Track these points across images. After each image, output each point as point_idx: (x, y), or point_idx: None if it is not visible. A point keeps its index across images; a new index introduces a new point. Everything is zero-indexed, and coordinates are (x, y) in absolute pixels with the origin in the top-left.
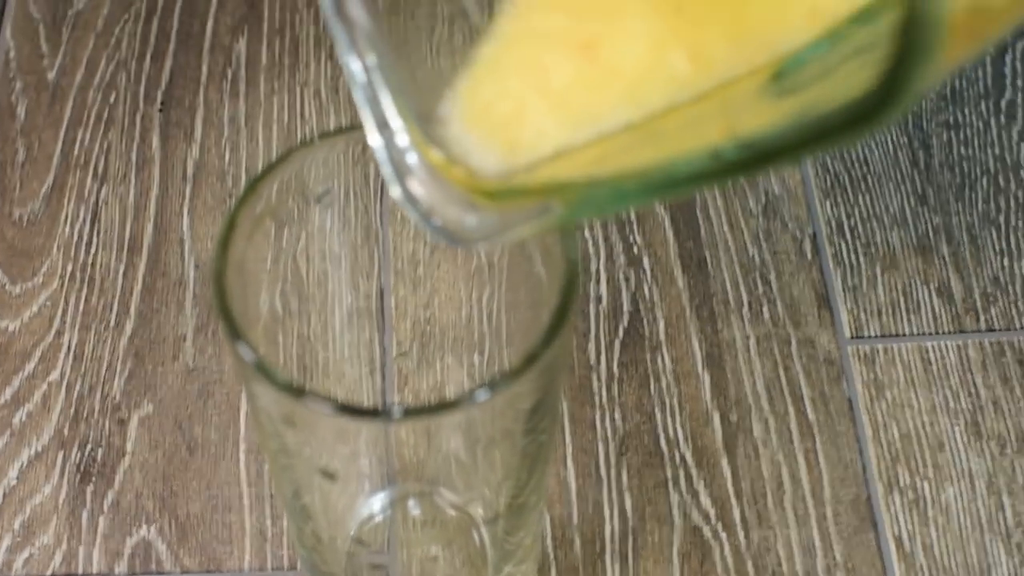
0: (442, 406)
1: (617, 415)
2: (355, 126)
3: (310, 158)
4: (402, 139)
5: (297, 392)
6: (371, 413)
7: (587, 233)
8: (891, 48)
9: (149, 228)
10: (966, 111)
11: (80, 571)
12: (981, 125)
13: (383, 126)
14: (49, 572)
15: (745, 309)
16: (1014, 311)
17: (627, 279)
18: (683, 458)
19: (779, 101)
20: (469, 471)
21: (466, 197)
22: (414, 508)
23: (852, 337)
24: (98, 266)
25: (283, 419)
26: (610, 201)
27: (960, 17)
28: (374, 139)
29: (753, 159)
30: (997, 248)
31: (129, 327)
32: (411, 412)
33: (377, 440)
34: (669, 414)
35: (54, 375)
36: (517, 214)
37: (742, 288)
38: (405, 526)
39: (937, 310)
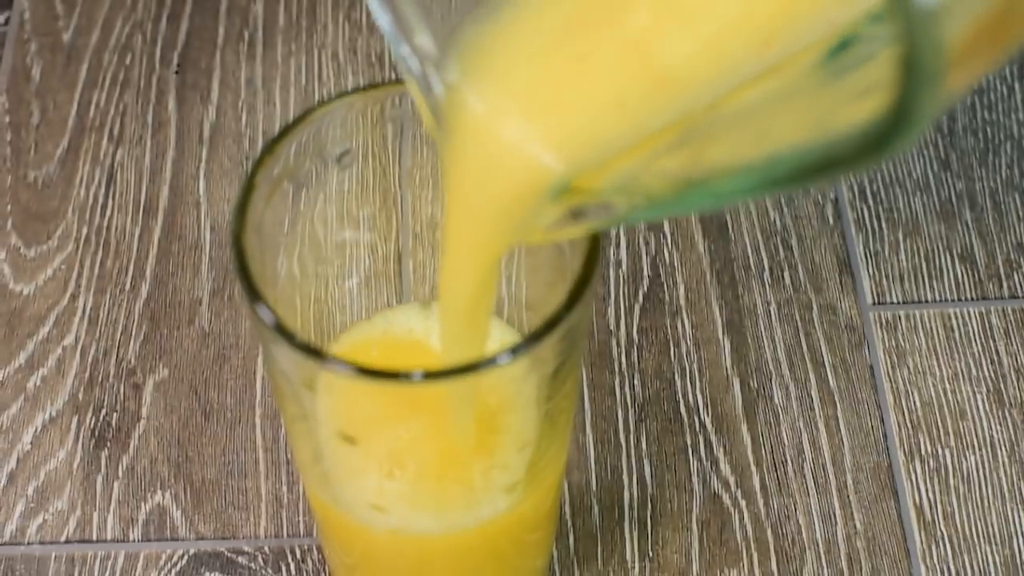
0: (463, 369)
1: (636, 381)
2: (374, 86)
3: (328, 119)
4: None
5: (317, 354)
6: (391, 376)
7: None
8: (894, 84)
9: (165, 191)
10: (990, 76)
11: (94, 537)
12: (1005, 90)
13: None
14: (63, 538)
15: (766, 274)
16: None
17: (647, 244)
18: (703, 425)
19: (834, 83)
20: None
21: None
22: None
23: (874, 303)
24: (113, 229)
25: (302, 382)
26: (695, 201)
27: (962, 45)
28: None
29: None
30: (1021, 214)
31: (144, 290)
32: (431, 375)
33: (397, 403)
34: (689, 380)
35: (69, 339)
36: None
37: (763, 253)
38: None
39: (960, 276)
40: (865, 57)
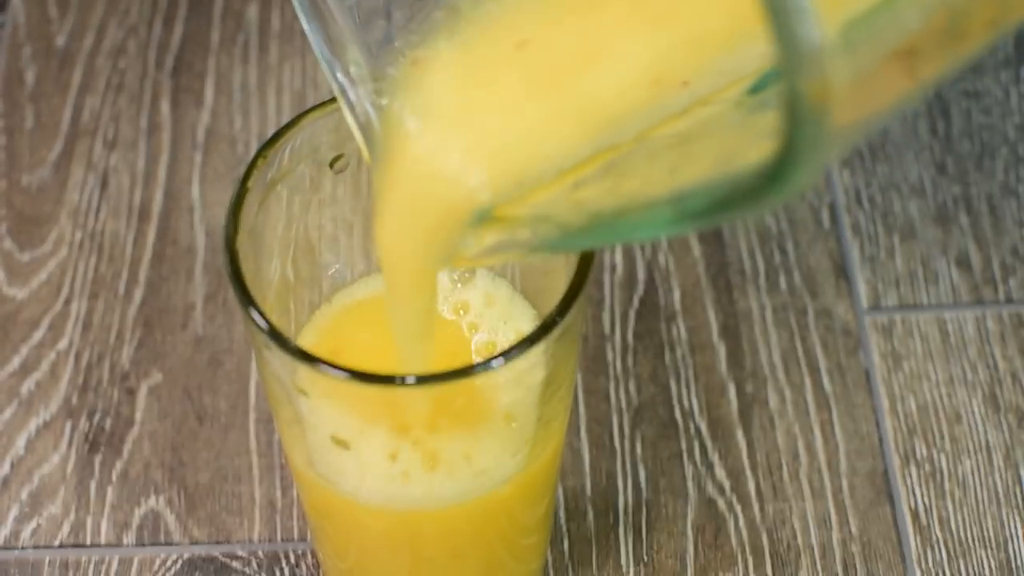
0: (456, 373)
1: (631, 386)
2: None
3: (322, 123)
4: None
5: (310, 358)
6: (384, 380)
7: None
8: (781, 123)
9: (159, 195)
10: (986, 80)
11: (88, 542)
12: (1001, 94)
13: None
14: (56, 543)
15: (762, 279)
16: None
17: (642, 248)
18: (698, 429)
19: (746, 122)
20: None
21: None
22: None
23: (870, 308)
24: (107, 233)
25: (295, 387)
26: (606, 234)
27: (851, 86)
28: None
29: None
30: (1016, 218)
31: (138, 295)
32: (424, 379)
33: (390, 407)
34: (684, 385)
35: (62, 344)
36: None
37: (759, 258)
38: None
39: (955, 281)
40: (772, 98)
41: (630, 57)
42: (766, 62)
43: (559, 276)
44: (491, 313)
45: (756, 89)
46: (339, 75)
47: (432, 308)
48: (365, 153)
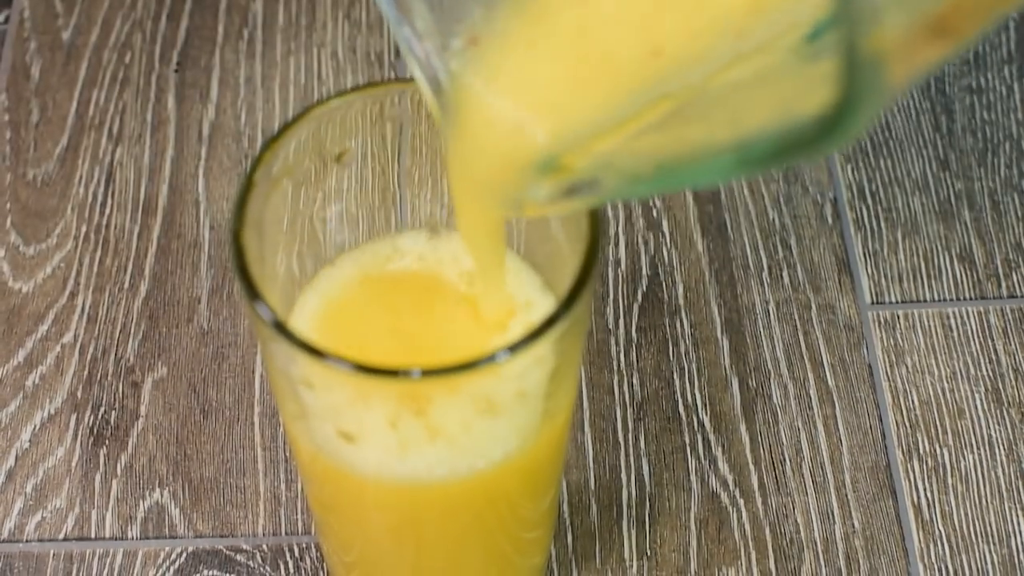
0: (461, 367)
1: (635, 380)
2: (373, 84)
3: (327, 117)
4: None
5: (316, 352)
6: (390, 373)
7: None
8: (838, 73)
9: (164, 189)
10: (989, 76)
11: (93, 535)
12: (1004, 90)
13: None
14: (61, 536)
15: (765, 274)
16: None
17: (646, 243)
18: (701, 424)
19: (803, 69)
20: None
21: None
22: None
23: (872, 303)
24: (112, 227)
25: (301, 380)
26: (674, 180)
27: (902, 39)
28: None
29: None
30: (1019, 214)
31: (143, 289)
32: (430, 372)
33: (396, 401)
34: (687, 379)
35: (68, 337)
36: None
37: (762, 252)
38: None
39: (958, 276)
40: (829, 47)
41: (682, 7)
42: (821, 11)
43: (562, 244)
44: None
45: (813, 37)
46: (406, 30)
47: (502, 251)
48: (433, 106)
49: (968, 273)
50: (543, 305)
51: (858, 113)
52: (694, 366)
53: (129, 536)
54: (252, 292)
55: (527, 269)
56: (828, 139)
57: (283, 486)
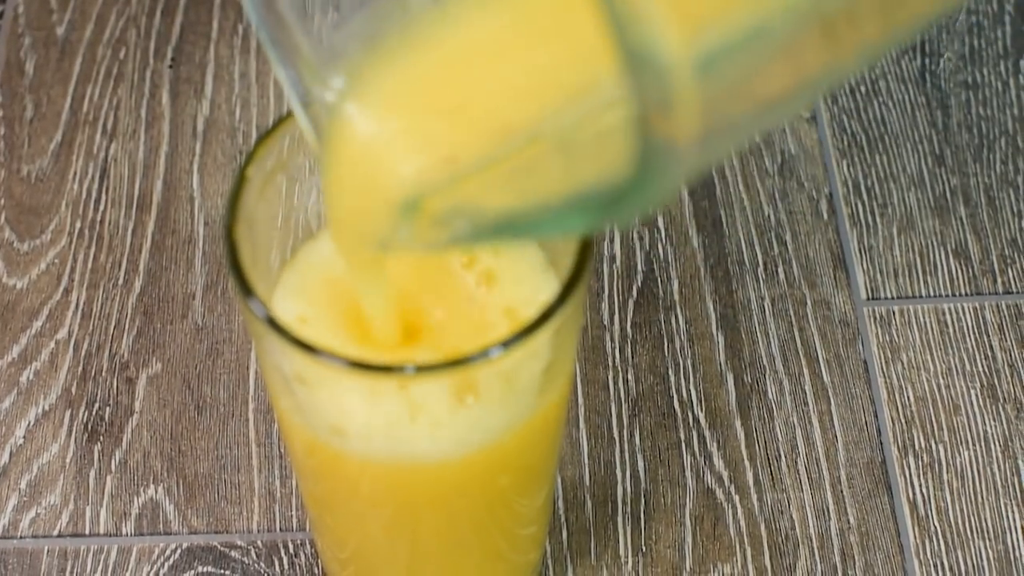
0: (456, 362)
1: (630, 376)
2: None
3: None
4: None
5: (309, 348)
6: (384, 369)
7: None
8: (629, 153)
9: (159, 185)
10: (984, 71)
11: (87, 531)
12: (1000, 85)
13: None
14: (56, 532)
15: (760, 269)
16: None
17: (641, 238)
18: (696, 420)
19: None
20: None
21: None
22: None
23: (868, 299)
24: (107, 223)
25: (295, 376)
26: (506, 233)
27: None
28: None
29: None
30: (1015, 210)
31: (138, 285)
32: (424, 368)
33: (390, 396)
34: (683, 375)
35: (62, 333)
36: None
37: (757, 248)
38: None
39: (954, 272)
40: (624, 129)
41: (499, 90)
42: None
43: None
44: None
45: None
46: (289, 71)
47: (382, 287)
48: (313, 142)
49: (964, 269)
50: (545, 283)
51: (649, 187)
52: (689, 362)
53: (123, 532)
54: (245, 288)
55: (531, 245)
56: (627, 204)
57: (277, 482)
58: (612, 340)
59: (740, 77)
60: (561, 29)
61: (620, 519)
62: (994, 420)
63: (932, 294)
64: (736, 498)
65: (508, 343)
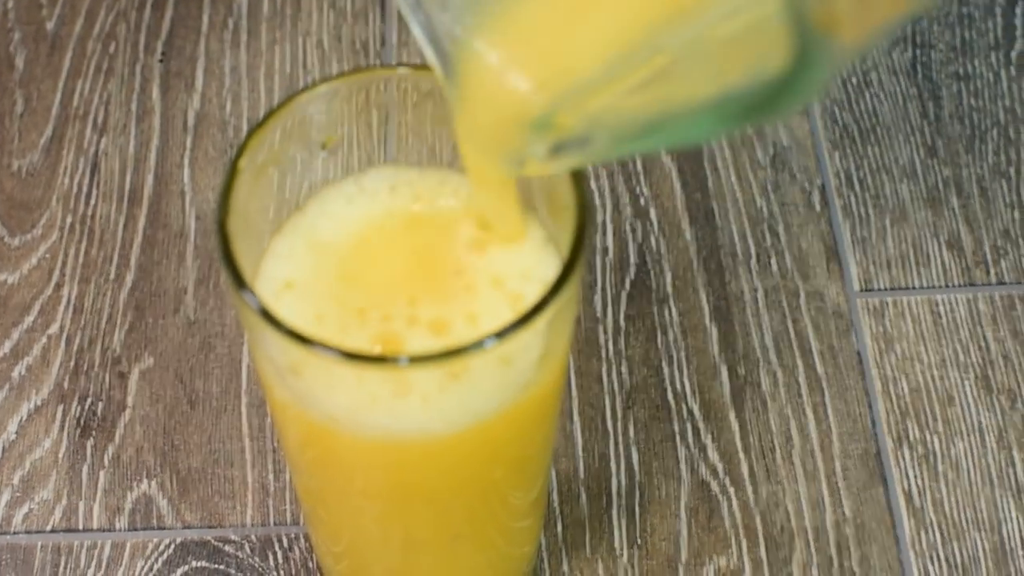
0: (449, 353)
1: (624, 368)
2: (359, 71)
3: (313, 105)
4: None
5: (302, 339)
6: (378, 360)
7: (593, 184)
8: (788, 45)
9: (150, 179)
10: (976, 62)
11: (80, 526)
12: (991, 76)
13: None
14: (49, 527)
15: (753, 261)
16: None
17: (634, 231)
18: (690, 412)
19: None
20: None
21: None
22: None
23: (861, 290)
24: (98, 218)
25: (289, 368)
26: (658, 138)
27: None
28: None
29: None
30: (1007, 200)
31: (129, 279)
32: (418, 359)
33: (384, 388)
34: (676, 367)
35: (54, 328)
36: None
37: (750, 240)
38: None
39: (947, 263)
40: (784, 12)
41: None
42: None
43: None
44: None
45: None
46: (416, 14)
47: (514, 207)
48: (437, 69)
49: (957, 260)
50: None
51: (807, 77)
52: (683, 354)
53: (117, 527)
54: (238, 280)
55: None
56: (784, 101)
57: (271, 476)
58: (605, 333)
59: None
60: None
61: (615, 512)
62: (988, 411)
63: (925, 285)
64: (731, 490)
65: (502, 334)
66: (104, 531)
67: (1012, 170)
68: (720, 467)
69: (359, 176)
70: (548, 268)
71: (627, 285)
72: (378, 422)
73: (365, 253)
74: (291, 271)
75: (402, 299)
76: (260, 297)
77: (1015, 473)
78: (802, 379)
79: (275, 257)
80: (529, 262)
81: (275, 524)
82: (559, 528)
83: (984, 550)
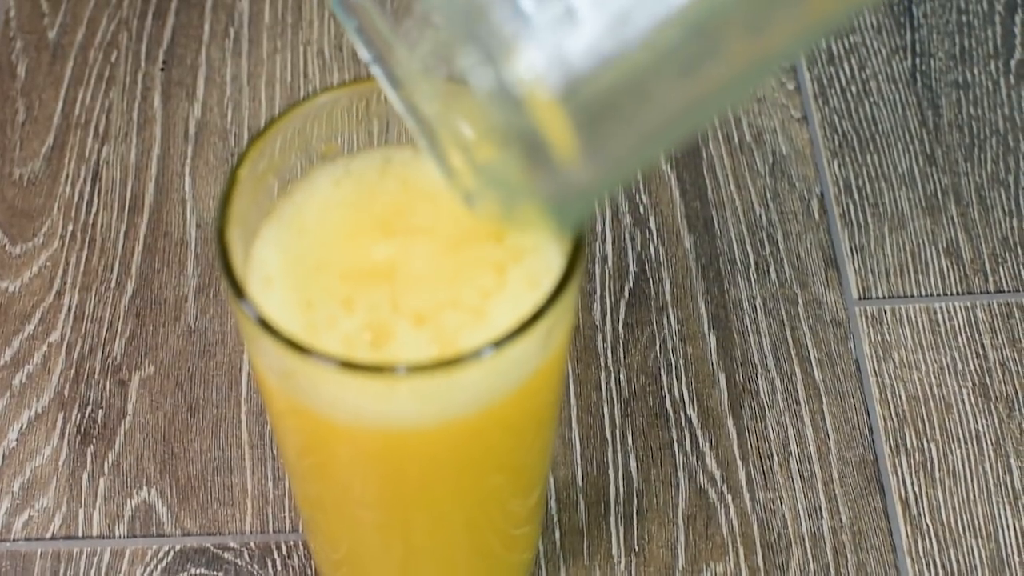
0: (447, 362)
1: (622, 376)
2: (359, 81)
3: (313, 114)
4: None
5: (301, 348)
6: (375, 369)
7: None
8: None
9: (150, 188)
10: (975, 71)
11: (80, 534)
12: (990, 85)
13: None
14: (49, 534)
15: (752, 269)
16: (1023, 272)
17: (633, 239)
18: (689, 419)
19: None
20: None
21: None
22: None
23: (859, 298)
24: (99, 226)
25: (287, 377)
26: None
27: None
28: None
29: None
30: (1006, 209)
31: (130, 287)
32: (416, 368)
33: (381, 396)
34: (675, 375)
35: (54, 336)
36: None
37: (749, 248)
38: None
39: (945, 271)
40: None
41: None
42: None
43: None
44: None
45: None
46: (384, 68)
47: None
48: (420, 140)
49: (955, 268)
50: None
51: None
52: (681, 362)
53: (116, 535)
54: (237, 289)
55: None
56: None
57: (270, 484)
58: (604, 340)
59: None
60: None
61: (613, 519)
62: (986, 419)
63: (923, 293)
64: (728, 497)
65: (500, 343)
66: (104, 538)
67: (1011, 178)
68: (718, 474)
69: (348, 159)
70: (538, 257)
71: (626, 293)
72: (375, 429)
73: (352, 238)
74: (278, 256)
75: (388, 287)
76: (251, 285)
77: (1012, 480)
78: (800, 387)
79: (263, 242)
80: (523, 247)
81: (274, 531)
82: (557, 535)
83: (981, 557)
